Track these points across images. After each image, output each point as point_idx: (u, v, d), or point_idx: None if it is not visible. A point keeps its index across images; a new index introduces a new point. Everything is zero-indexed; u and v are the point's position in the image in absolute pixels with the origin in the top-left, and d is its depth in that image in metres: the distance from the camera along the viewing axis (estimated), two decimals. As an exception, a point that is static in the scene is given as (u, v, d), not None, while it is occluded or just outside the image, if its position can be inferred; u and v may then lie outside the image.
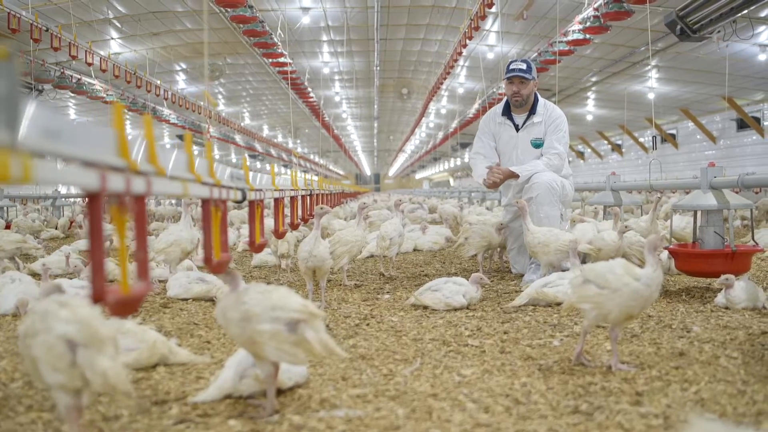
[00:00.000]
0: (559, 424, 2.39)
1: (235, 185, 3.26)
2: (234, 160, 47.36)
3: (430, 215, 14.27)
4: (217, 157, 46.40)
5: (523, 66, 6.10)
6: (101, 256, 1.81)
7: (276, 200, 4.99)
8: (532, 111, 6.19)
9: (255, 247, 3.97)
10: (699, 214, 5.25)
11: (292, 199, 5.93)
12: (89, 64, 16.23)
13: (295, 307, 2.45)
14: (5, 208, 12.47)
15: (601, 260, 4.98)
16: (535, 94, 6.23)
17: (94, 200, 1.80)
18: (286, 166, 51.33)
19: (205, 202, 2.79)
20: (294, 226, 6.03)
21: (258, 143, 43.26)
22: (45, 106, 1.56)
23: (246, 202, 3.49)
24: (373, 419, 2.46)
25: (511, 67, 6.13)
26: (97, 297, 1.82)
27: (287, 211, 6.44)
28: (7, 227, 10.54)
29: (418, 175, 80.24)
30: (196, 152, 2.73)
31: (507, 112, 6.29)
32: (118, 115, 1.97)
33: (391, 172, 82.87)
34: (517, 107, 6.20)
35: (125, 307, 1.98)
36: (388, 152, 69.71)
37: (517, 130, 6.23)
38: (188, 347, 3.53)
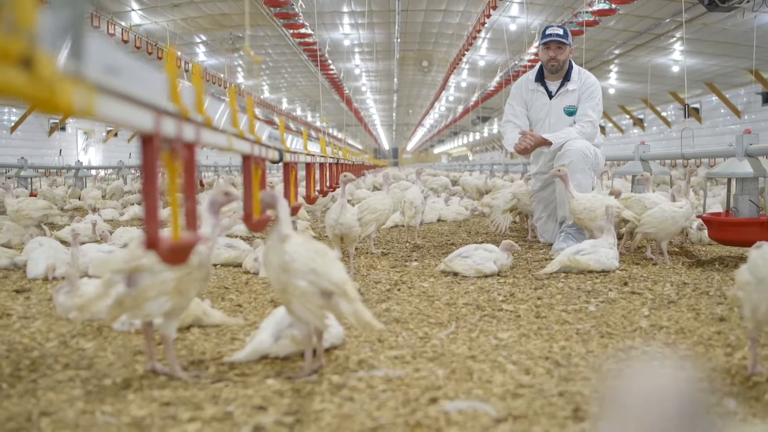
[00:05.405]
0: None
1: (272, 145, 3.22)
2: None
3: (454, 188, 14.19)
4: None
5: (560, 31, 5.99)
6: (155, 202, 1.73)
7: (308, 165, 4.94)
8: (567, 78, 6.04)
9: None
10: (733, 182, 5.16)
11: (321, 165, 5.89)
12: (111, 35, 16.25)
13: (334, 280, 2.37)
14: (29, 179, 12.52)
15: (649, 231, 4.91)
16: (570, 61, 6.10)
17: (148, 143, 1.73)
18: (304, 140, 51.12)
19: (246, 159, 2.73)
20: (324, 193, 6.00)
21: (276, 117, 43.19)
22: (106, 40, 1.52)
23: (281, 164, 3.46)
24: (414, 379, 2.43)
25: (548, 32, 6.01)
26: (151, 244, 1.76)
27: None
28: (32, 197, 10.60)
29: (437, 150, 79.81)
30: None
31: (540, 78, 6.16)
32: (170, 61, 1.90)
33: (410, 146, 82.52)
34: (553, 73, 6.06)
35: (176, 255, 1.93)
36: (406, 126, 69.23)
37: (551, 97, 6.10)
38: (220, 310, 3.53)
